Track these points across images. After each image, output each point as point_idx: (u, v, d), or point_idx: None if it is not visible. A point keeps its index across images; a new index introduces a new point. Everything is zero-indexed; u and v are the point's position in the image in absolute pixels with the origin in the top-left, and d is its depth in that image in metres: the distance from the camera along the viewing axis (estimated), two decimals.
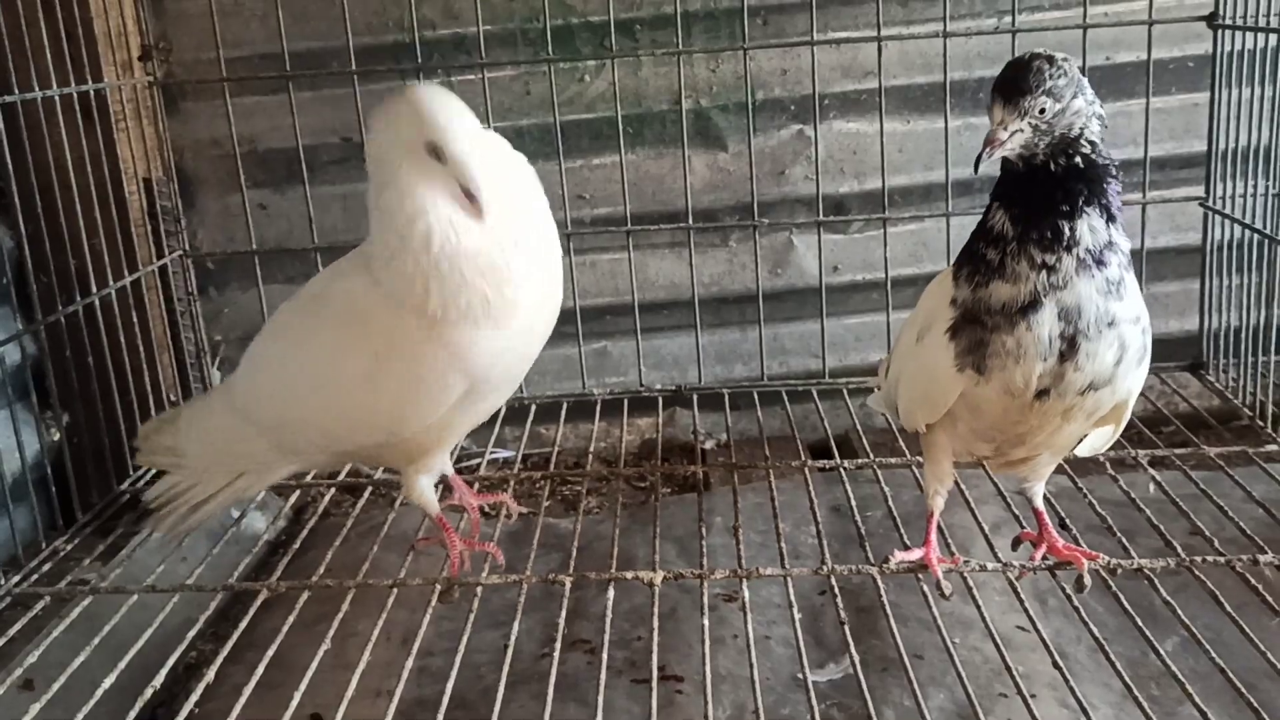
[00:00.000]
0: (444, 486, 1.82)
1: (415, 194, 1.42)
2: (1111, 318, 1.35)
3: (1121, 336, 1.36)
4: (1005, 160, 1.37)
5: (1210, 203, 2.31)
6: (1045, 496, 1.67)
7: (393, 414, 1.54)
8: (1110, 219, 1.35)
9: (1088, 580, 1.57)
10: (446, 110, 1.43)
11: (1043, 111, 1.32)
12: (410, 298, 1.44)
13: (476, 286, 1.43)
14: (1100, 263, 1.34)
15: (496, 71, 2.43)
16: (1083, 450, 1.61)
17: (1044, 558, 1.62)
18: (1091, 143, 1.35)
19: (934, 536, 1.63)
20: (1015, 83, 1.32)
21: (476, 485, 2.02)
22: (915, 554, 1.63)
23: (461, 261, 1.42)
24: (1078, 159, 1.34)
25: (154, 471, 2.17)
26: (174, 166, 2.41)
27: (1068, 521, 1.79)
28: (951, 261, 1.47)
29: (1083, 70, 2.24)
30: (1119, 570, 1.60)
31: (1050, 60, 1.33)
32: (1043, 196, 1.34)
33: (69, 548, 1.91)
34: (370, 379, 1.50)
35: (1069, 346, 1.35)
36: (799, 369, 2.61)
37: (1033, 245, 1.33)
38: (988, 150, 1.33)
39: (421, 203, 1.42)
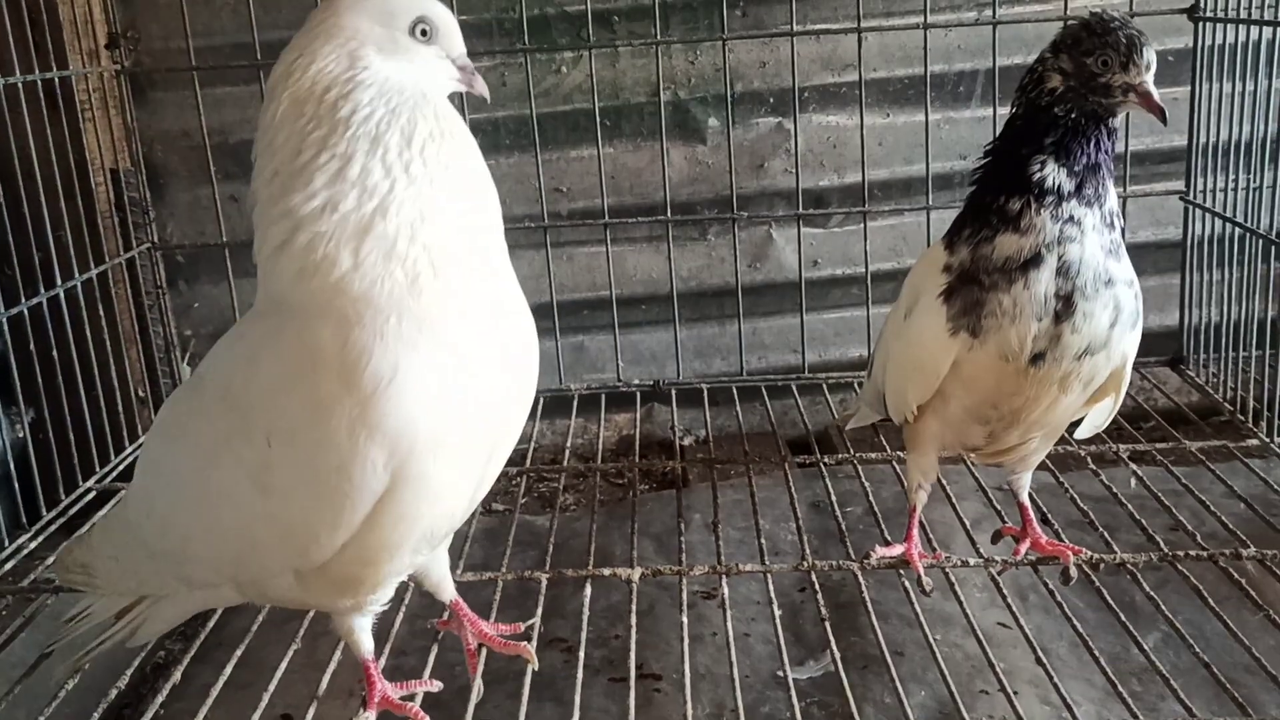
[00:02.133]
0: (449, 612, 1.49)
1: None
2: (1109, 276, 1.36)
3: (1117, 298, 1.38)
4: (1043, 111, 1.38)
5: (1191, 197, 2.30)
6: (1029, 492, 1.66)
7: (297, 526, 1.12)
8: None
9: (1074, 573, 1.55)
10: None
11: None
12: (344, 256, 1.06)
13: (451, 250, 1.10)
14: (1111, 225, 1.38)
15: (472, 62, 2.39)
16: (1084, 431, 1.60)
17: (1027, 552, 1.60)
18: None
19: (916, 532, 1.62)
20: (1142, 35, 1.35)
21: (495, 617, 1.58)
22: (896, 549, 1.62)
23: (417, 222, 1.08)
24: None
25: (123, 467, 2.14)
26: (143, 157, 2.37)
27: (1049, 516, 1.79)
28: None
29: None
30: (1101, 565, 1.59)
31: None
32: (1108, 156, 1.38)
33: (34, 545, 1.87)
34: (263, 472, 1.10)
35: (1065, 306, 1.36)
36: (778, 364, 2.59)
37: (1077, 199, 1.36)
38: (1161, 106, 1.34)
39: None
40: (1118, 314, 1.38)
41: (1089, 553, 1.59)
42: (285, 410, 1.07)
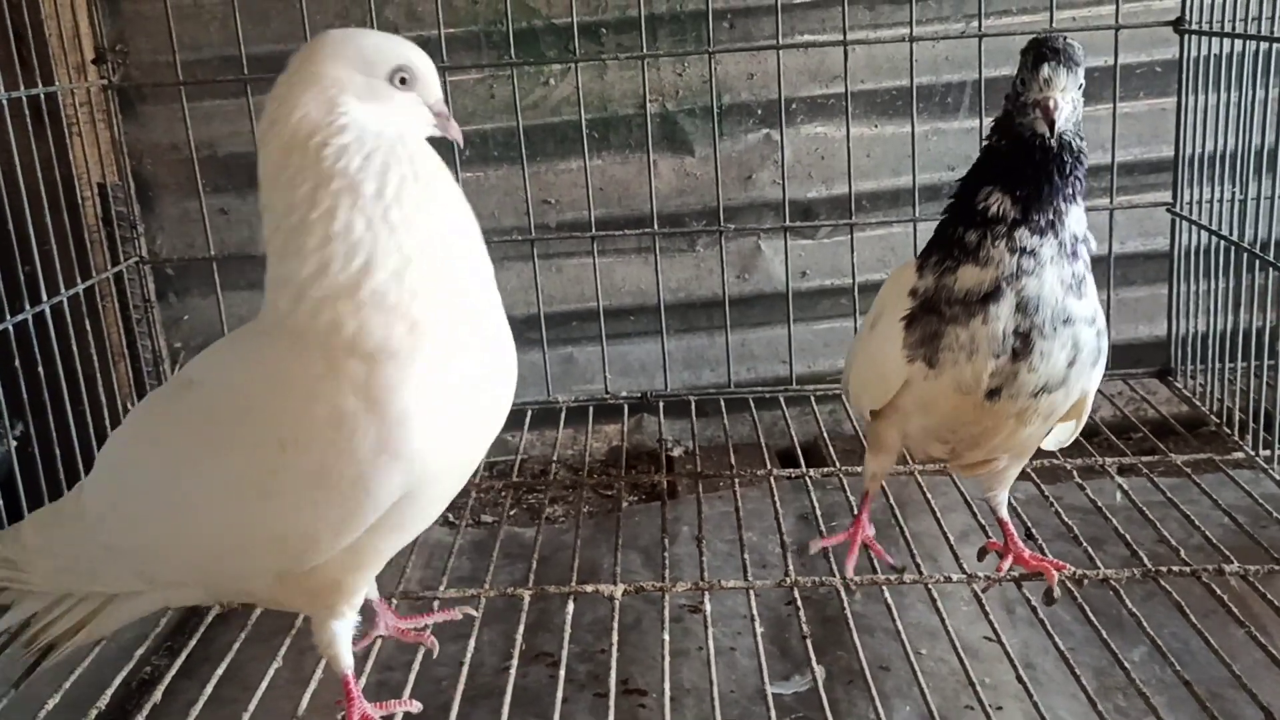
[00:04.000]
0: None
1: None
2: (1068, 315, 1.34)
3: (1076, 336, 1.35)
4: (998, 143, 1.36)
5: (1178, 208, 2.30)
6: (1011, 504, 1.65)
7: (298, 530, 1.16)
8: (1082, 212, 1.36)
9: (1057, 593, 1.55)
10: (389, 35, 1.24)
11: (1080, 87, 1.32)
12: (347, 318, 1.11)
13: (438, 292, 1.15)
14: (1074, 255, 1.34)
15: (459, 75, 2.39)
16: (1047, 444, 1.59)
17: (1011, 569, 1.60)
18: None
19: (866, 516, 1.64)
20: (1070, 53, 1.30)
21: (395, 603, 1.66)
22: (840, 536, 1.64)
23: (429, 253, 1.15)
24: (1083, 143, 1.34)
25: None
26: (131, 171, 2.37)
27: (1034, 530, 1.78)
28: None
29: None
30: (1085, 580, 1.59)
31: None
32: (1050, 176, 1.32)
33: None
34: (268, 477, 1.14)
35: (1023, 344, 1.34)
36: (767, 375, 2.59)
37: (1026, 228, 1.32)
38: (1055, 117, 1.28)
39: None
40: (1076, 353, 1.36)
41: (1073, 569, 1.59)
42: (306, 420, 1.12)
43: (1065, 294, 1.34)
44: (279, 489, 1.14)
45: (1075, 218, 1.35)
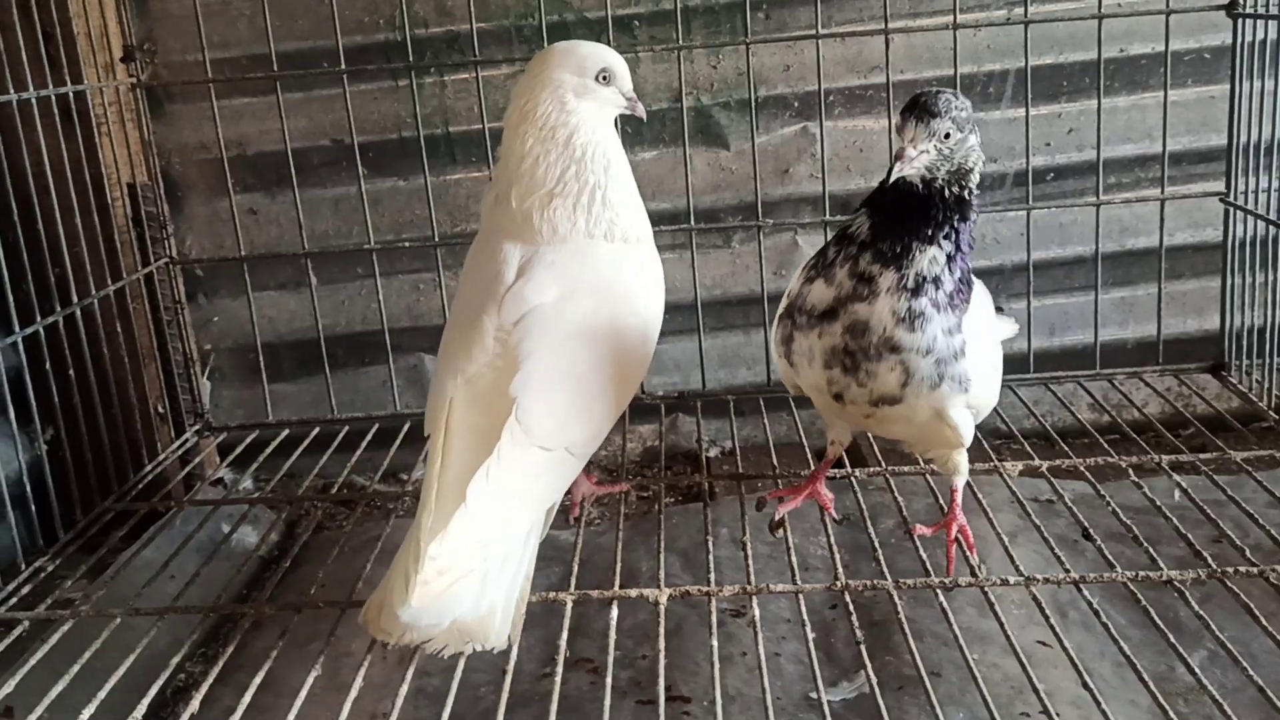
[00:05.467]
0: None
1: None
2: (895, 344, 1.42)
3: (905, 363, 1.43)
4: (900, 180, 1.40)
5: (1231, 198, 2.24)
6: (969, 484, 1.74)
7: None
8: (951, 258, 1.42)
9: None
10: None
11: (947, 136, 1.38)
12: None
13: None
14: (915, 291, 1.41)
15: (491, 70, 2.36)
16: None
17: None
18: (976, 182, 1.43)
19: (823, 474, 1.81)
20: (927, 106, 1.38)
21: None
22: (799, 497, 1.78)
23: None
24: (963, 191, 1.42)
25: (142, 486, 2.11)
26: (160, 171, 2.34)
27: (1091, 531, 1.73)
28: None
29: (1096, 63, 2.20)
30: (1145, 580, 1.54)
31: (955, 94, 1.40)
32: (912, 215, 1.42)
33: (51, 567, 1.84)
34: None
35: (851, 361, 1.45)
36: None
37: (870, 254, 1.42)
38: (898, 165, 1.37)
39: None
40: (908, 377, 1.44)
41: (1125, 572, 1.55)
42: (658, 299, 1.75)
43: (895, 325, 1.41)
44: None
45: (930, 258, 1.41)
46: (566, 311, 1.59)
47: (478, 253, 1.72)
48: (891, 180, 1.38)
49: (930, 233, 1.41)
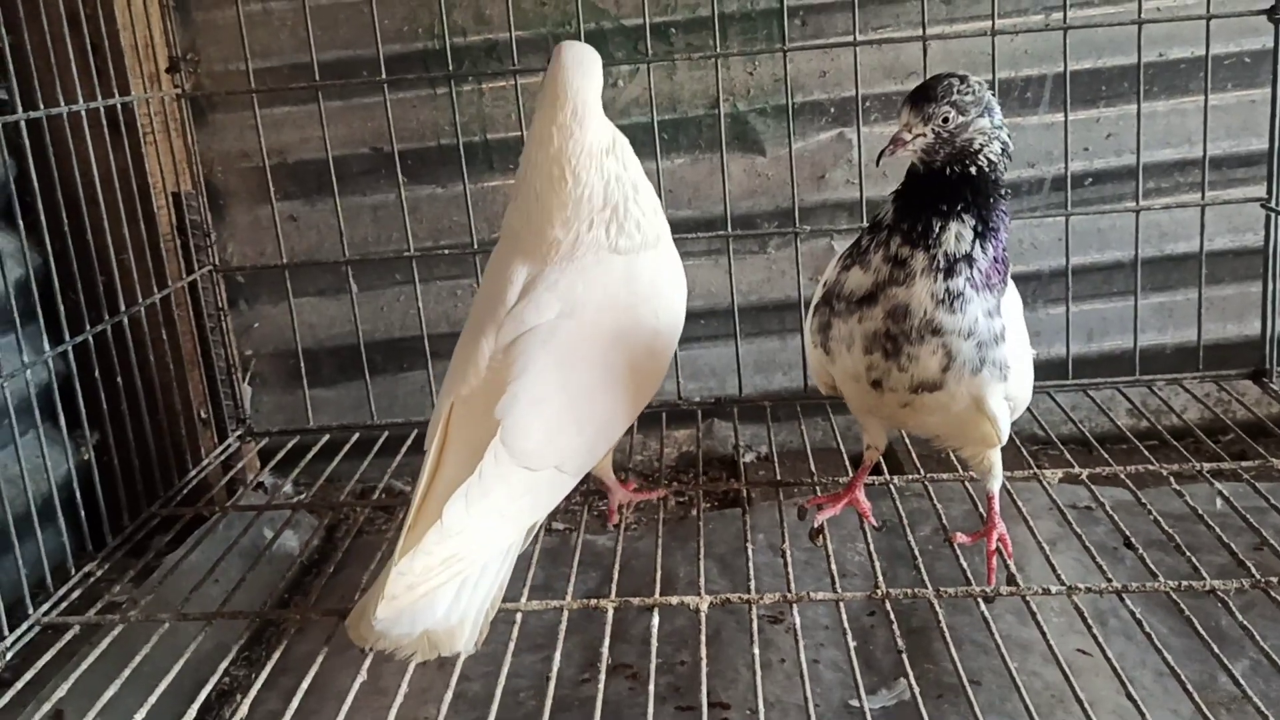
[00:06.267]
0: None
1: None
2: (937, 326, 1.43)
3: (947, 345, 1.44)
4: (912, 164, 1.46)
5: (1273, 203, 2.22)
6: (1008, 490, 1.75)
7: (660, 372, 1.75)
8: (981, 235, 1.43)
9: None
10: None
11: (945, 120, 1.40)
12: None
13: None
14: (949, 272, 1.42)
15: (529, 78, 2.37)
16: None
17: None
18: (990, 161, 1.43)
19: (862, 482, 1.81)
20: (924, 92, 1.41)
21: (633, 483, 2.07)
22: (838, 505, 1.78)
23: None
24: (972, 169, 1.43)
25: (187, 491, 2.14)
26: (203, 180, 2.38)
27: (1132, 540, 1.72)
28: None
29: (1135, 68, 2.18)
30: (1187, 590, 1.53)
31: (962, 79, 1.42)
32: (927, 194, 1.44)
33: (99, 572, 1.87)
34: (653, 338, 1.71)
35: (893, 345, 1.45)
36: None
37: (898, 235, 1.44)
38: (890, 149, 1.42)
39: None
40: (950, 360, 1.45)
41: (1167, 581, 1.53)
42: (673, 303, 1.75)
43: (935, 307, 1.42)
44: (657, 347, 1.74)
45: (955, 235, 1.42)
46: (563, 330, 1.60)
47: (491, 269, 1.74)
48: (879, 164, 1.45)
49: (945, 208, 1.42)
